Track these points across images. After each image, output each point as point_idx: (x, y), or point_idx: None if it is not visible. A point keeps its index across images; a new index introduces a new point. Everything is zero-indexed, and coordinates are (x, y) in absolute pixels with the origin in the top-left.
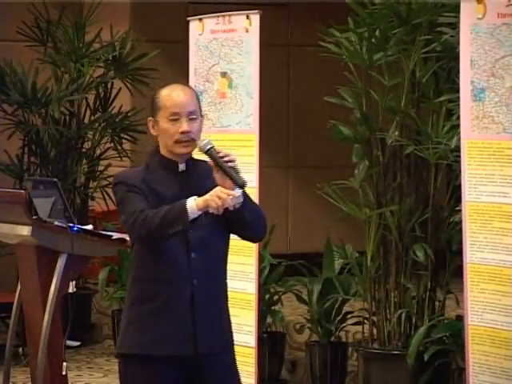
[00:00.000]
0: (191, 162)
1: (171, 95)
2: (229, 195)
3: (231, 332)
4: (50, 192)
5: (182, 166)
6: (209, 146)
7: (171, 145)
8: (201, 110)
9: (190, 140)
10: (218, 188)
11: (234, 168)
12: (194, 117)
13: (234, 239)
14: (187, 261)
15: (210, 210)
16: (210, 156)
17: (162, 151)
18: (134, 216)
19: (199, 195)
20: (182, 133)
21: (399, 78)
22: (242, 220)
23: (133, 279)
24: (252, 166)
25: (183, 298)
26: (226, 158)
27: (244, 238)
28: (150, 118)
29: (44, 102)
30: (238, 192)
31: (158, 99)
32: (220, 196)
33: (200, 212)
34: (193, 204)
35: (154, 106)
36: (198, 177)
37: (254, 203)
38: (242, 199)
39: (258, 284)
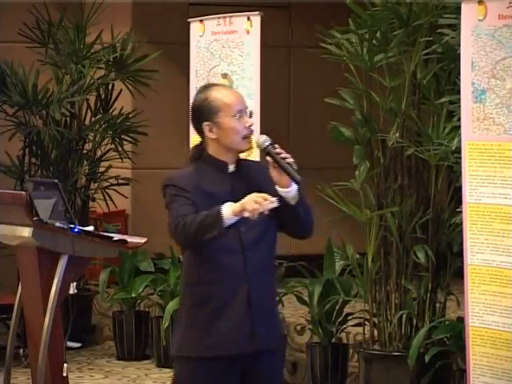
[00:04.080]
0: (239, 161)
1: (227, 94)
2: (265, 200)
3: (281, 328)
4: (50, 193)
5: (231, 167)
6: (267, 143)
7: (238, 142)
8: None
9: (252, 134)
10: (254, 194)
11: (290, 164)
12: (249, 112)
13: None
14: (243, 260)
15: (245, 215)
16: (268, 153)
17: (214, 153)
18: (176, 221)
19: (251, 190)
20: (249, 126)
21: (400, 80)
22: (296, 216)
23: (188, 283)
24: None
25: (241, 297)
26: (282, 155)
27: (293, 234)
28: (206, 124)
29: (45, 104)
30: (274, 199)
31: (213, 101)
32: (256, 200)
33: (236, 217)
34: (228, 209)
35: (208, 109)
36: (248, 175)
37: (305, 199)
38: (278, 204)
39: None
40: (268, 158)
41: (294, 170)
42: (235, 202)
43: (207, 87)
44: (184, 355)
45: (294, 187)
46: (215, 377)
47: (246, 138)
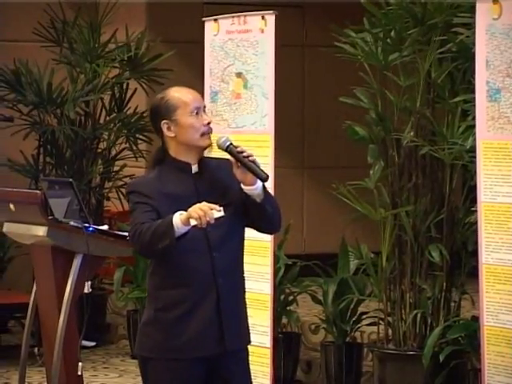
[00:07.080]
0: (202, 160)
1: (184, 93)
2: (211, 208)
3: (249, 328)
4: (65, 192)
5: (194, 168)
6: (228, 143)
7: (197, 139)
8: None
9: (211, 132)
10: (202, 203)
11: (254, 162)
12: (206, 110)
13: (248, 239)
14: (211, 261)
15: (192, 223)
16: (231, 152)
17: (175, 154)
18: (134, 229)
19: (216, 190)
20: (208, 124)
21: (414, 79)
22: (264, 212)
23: (156, 286)
24: (267, 167)
25: (210, 299)
26: (245, 154)
27: (262, 230)
28: (164, 122)
29: (59, 103)
30: (220, 208)
31: (171, 100)
32: (202, 208)
33: (186, 227)
34: (177, 219)
35: (166, 108)
36: (212, 174)
37: (271, 194)
38: (223, 214)
39: (273, 284)
40: (231, 158)
41: (258, 167)
42: (200, 202)
43: (165, 89)
44: (150, 356)
45: (259, 185)
46: (181, 378)
47: (205, 134)
